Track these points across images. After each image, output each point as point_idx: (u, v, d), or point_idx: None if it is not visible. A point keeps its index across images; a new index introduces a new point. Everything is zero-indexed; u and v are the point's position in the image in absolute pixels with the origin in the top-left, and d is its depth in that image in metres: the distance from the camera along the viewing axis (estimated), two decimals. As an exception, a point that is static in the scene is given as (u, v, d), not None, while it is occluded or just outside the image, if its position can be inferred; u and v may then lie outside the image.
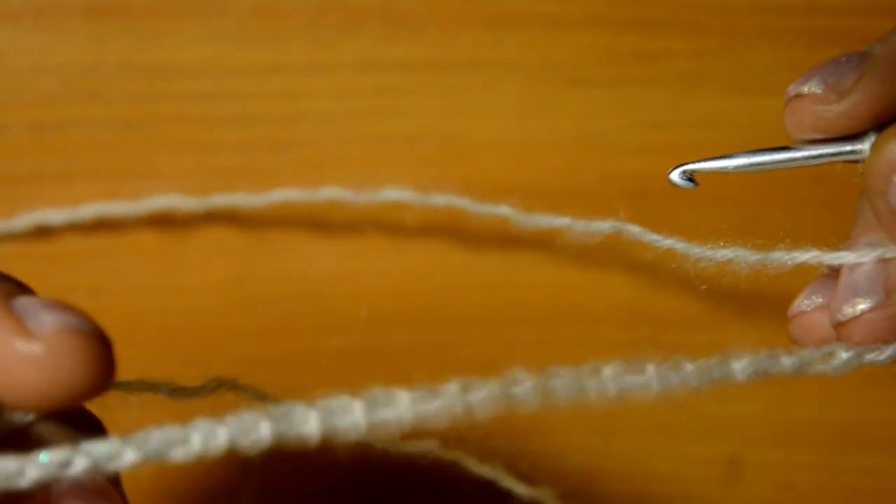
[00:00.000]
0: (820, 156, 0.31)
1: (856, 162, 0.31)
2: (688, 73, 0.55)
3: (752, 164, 0.32)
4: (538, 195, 0.55)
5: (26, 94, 0.53)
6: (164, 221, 0.54)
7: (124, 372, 0.55)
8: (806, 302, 0.34)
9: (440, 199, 0.50)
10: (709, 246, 0.33)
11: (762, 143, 0.56)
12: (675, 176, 0.32)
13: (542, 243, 0.55)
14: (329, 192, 0.52)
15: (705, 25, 0.55)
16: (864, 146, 0.31)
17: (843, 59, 0.31)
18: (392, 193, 0.51)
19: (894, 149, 0.30)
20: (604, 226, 0.41)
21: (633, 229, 0.37)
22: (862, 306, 0.31)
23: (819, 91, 0.31)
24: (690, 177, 0.32)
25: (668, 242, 0.34)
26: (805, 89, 0.31)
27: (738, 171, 0.32)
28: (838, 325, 0.32)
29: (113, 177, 0.53)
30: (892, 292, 0.31)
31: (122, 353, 0.56)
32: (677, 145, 0.55)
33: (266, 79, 0.54)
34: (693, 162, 0.32)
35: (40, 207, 0.53)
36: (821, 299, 0.33)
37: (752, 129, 0.55)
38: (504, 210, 0.49)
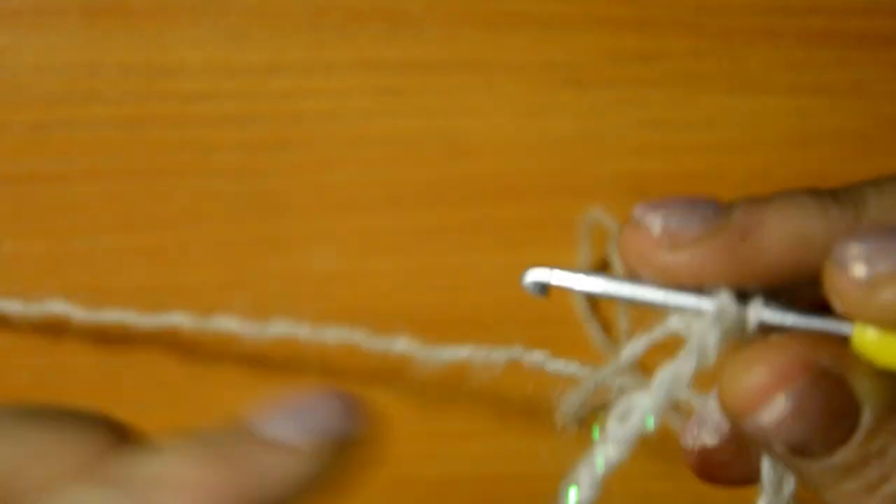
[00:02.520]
0: (668, 304, 0.29)
1: None
2: (688, 73, 0.55)
3: (610, 295, 0.29)
4: (538, 195, 0.55)
5: (26, 94, 0.53)
6: (164, 222, 0.54)
7: (125, 371, 0.55)
8: (689, 439, 0.31)
9: (332, 334, 0.49)
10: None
11: (761, 144, 0.56)
12: (528, 284, 0.30)
13: (544, 244, 0.55)
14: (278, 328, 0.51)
15: (705, 25, 0.55)
16: (710, 305, 0.29)
17: (702, 205, 0.29)
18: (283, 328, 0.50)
19: (745, 385, 0.28)
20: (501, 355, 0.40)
21: (536, 357, 0.36)
22: (706, 440, 0.31)
23: (655, 231, 0.28)
24: (544, 287, 0.30)
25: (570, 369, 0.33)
26: (644, 220, 0.29)
27: (593, 296, 0.30)
28: (683, 451, 0.32)
29: (113, 177, 0.53)
30: (734, 438, 0.31)
31: (122, 354, 0.56)
32: (677, 145, 0.55)
33: (266, 78, 0.54)
34: (546, 269, 0.29)
35: (39, 207, 0.53)
36: (707, 438, 0.31)
37: (751, 129, 0.55)
38: (400, 345, 0.48)
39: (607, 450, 0.27)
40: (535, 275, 0.29)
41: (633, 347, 0.29)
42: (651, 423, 0.27)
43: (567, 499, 0.27)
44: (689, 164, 0.56)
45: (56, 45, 0.53)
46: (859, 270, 0.27)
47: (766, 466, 0.30)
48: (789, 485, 0.30)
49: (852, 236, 0.27)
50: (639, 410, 0.27)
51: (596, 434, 0.27)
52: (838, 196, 0.29)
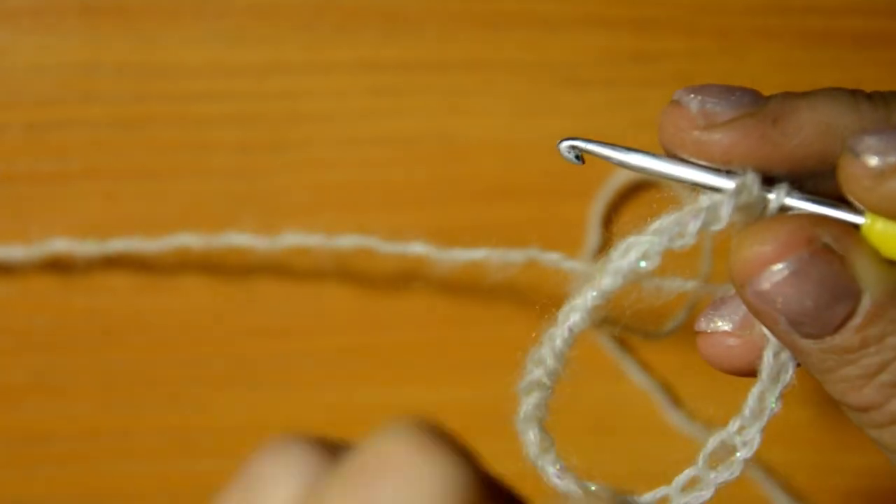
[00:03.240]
0: (698, 181, 0.31)
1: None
2: (685, 73, 0.55)
3: (643, 168, 0.31)
4: (535, 194, 0.55)
5: (24, 94, 0.53)
6: (162, 221, 0.54)
7: (121, 371, 0.55)
8: (704, 322, 0.32)
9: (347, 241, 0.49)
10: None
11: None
12: (564, 148, 0.31)
13: (542, 244, 0.55)
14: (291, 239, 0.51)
15: (702, 26, 0.55)
16: (739, 182, 0.30)
17: (740, 92, 0.30)
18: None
19: (750, 253, 0.29)
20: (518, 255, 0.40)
21: (551, 257, 0.37)
22: (720, 324, 0.32)
23: (692, 110, 0.30)
24: (579, 154, 0.31)
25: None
26: (683, 100, 0.31)
27: (625, 167, 0.31)
28: (697, 334, 0.33)
29: (111, 176, 0.53)
30: (746, 326, 0.32)
31: (121, 354, 0.56)
32: (674, 145, 0.55)
33: (264, 79, 0.54)
34: (586, 141, 0.31)
35: (38, 207, 0.53)
36: (721, 323, 0.32)
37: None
38: (417, 248, 0.48)
39: (603, 279, 0.29)
40: (573, 142, 0.31)
41: (663, 222, 0.30)
42: (645, 264, 0.29)
43: (561, 323, 0.30)
44: (685, 164, 0.56)
45: (54, 45, 0.53)
46: (871, 160, 0.28)
47: (769, 354, 0.31)
48: (786, 375, 0.31)
49: (869, 130, 0.29)
50: (637, 247, 0.29)
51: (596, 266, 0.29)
52: (871, 95, 0.30)
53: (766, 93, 0.55)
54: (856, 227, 0.29)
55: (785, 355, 0.31)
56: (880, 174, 0.28)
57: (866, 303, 0.29)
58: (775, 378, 0.31)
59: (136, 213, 0.54)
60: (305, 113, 0.54)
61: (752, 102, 0.30)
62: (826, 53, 0.55)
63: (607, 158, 0.31)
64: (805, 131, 0.29)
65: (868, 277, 0.29)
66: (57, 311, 0.54)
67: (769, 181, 0.30)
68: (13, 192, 0.53)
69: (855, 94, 0.30)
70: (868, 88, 0.55)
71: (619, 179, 0.55)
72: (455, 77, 0.54)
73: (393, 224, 0.54)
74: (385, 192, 0.55)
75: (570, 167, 0.56)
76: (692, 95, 0.30)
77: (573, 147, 0.31)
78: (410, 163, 0.55)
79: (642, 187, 0.55)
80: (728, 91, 0.30)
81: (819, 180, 0.30)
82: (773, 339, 0.31)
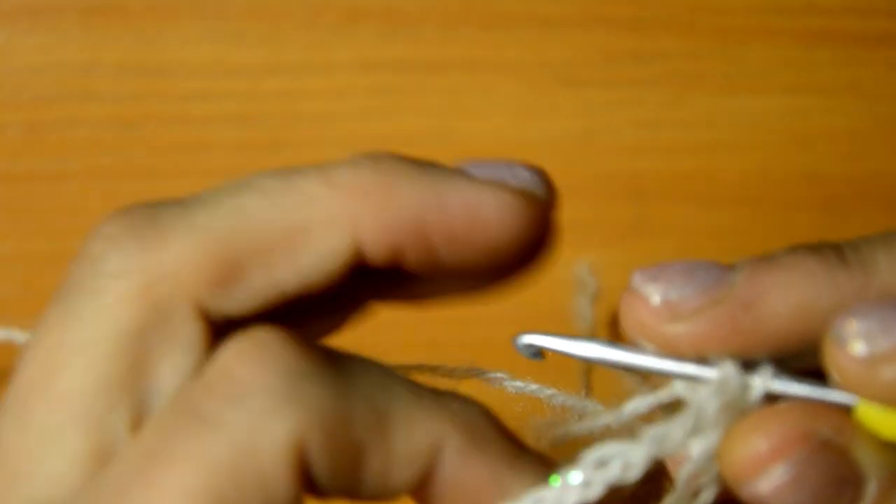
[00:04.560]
0: (669, 372, 0.28)
1: None
2: (684, 73, 0.55)
3: (607, 361, 0.28)
4: (535, 195, 0.55)
5: (23, 94, 0.53)
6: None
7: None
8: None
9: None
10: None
11: (757, 143, 0.56)
12: (521, 346, 0.29)
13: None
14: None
15: (701, 25, 0.55)
16: (712, 374, 0.27)
17: (702, 272, 0.27)
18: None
19: (744, 453, 0.27)
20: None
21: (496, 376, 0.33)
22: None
23: (654, 303, 0.27)
24: (537, 351, 0.29)
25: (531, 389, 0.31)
26: (642, 290, 0.27)
27: (588, 362, 0.28)
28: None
29: (110, 176, 0.53)
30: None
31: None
32: (673, 145, 0.55)
33: (263, 79, 0.54)
34: (544, 336, 0.28)
35: (38, 207, 0.53)
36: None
37: (748, 128, 0.55)
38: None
39: (580, 491, 0.26)
40: (530, 339, 0.28)
41: (637, 406, 0.28)
42: (631, 476, 0.26)
43: None
44: (684, 164, 0.56)
45: (53, 44, 0.53)
46: (858, 348, 0.26)
47: (686, 472, 0.28)
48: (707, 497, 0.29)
49: (852, 311, 0.26)
50: (619, 460, 0.26)
51: (557, 480, 0.26)
52: (846, 259, 0.28)
53: (766, 92, 0.55)
54: (850, 405, 0.27)
55: (707, 479, 0.29)
56: (870, 362, 0.26)
57: (872, 489, 0.27)
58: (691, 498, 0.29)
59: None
60: (305, 113, 0.54)
61: (717, 281, 0.27)
62: (827, 53, 0.55)
63: (567, 354, 0.28)
64: (780, 317, 0.27)
65: (870, 463, 0.27)
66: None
67: (746, 363, 0.28)
68: (13, 192, 0.53)
69: (828, 261, 0.27)
70: (868, 88, 0.55)
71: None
72: (455, 77, 0.54)
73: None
74: (385, 192, 0.55)
75: (570, 167, 0.56)
76: (652, 284, 0.27)
77: (530, 346, 0.28)
78: (410, 163, 0.55)
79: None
80: (689, 273, 0.27)
81: (804, 356, 0.28)
82: (696, 458, 0.28)
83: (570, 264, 0.56)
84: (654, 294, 0.27)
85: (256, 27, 0.53)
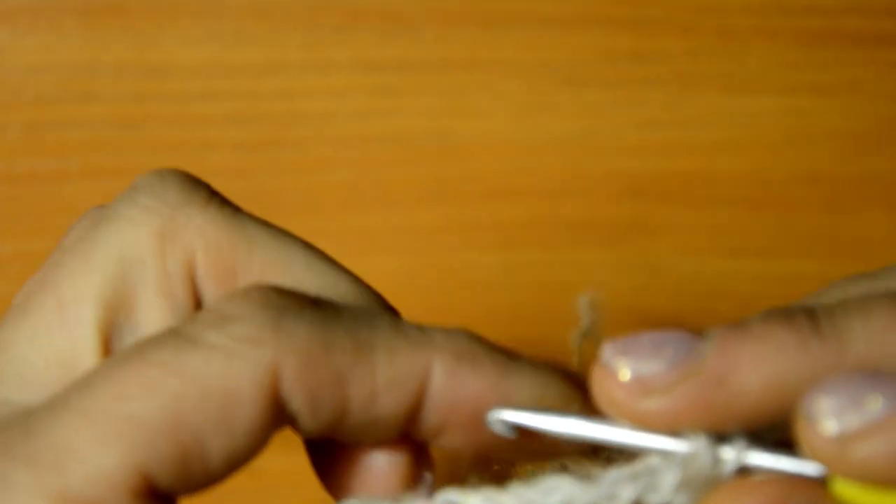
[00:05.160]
0: (642, 447, 0.27)
1: None
2: (684, 73, 0.55)
3: (580, 437, 0.27)
4: (534, 194, 0.55)
5: (23, 94, 0.53)
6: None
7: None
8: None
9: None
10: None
11: (757, 143, 0.56)
12: (493, 423, 0.28)
13: (541, 243, 0.55)
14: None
15: (701, 25, 0.55)
16: (689, 450, 0.27)
17: (672, 345, 0.26)
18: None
19: None
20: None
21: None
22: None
23: (625, 379, 0.26)
24: (511, 427, 0.28)
25: None
26: (612, 366, 0.26)
27: (561, 438, 0.28)
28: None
29: (110, 176, 0.54)
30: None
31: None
32: (673, 144, 0.55)
33: (263, 79, 0.54)
34: (516, 412, 0.27)
35: (38, 207, 0.53)
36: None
37: (748, 128, 0.55)
38: None
39: None
40: (504, 415, 0.28)
41: (614, 480, 0.28)
42: None
43: None
44: (685, 163, 0.56)
45: (53, 45, 0.53)
46: (829, 427, 0.25)
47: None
48: None
49: (823, 387, 0.25)
50: (561, 495, 0.26)
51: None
52: (820, 327, 0.26)
53: (765, 92, 0.55)
54: (825, 478, 0.26)
55: None
56: (842, 441, 0.25)
57: None
58: None
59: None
60: (304, 113, 0.54)
61: (688, 354, 0.26)
62: (826, 53, 0.55)
63: (540, 431, 0.27)
64: (753, 391, 0.26)
65: None
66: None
67: (719, 436, 0.27)
68: (13, 192, 0.53)
69: (802, 332, 0.26)
70: (868, 88, 0.55)
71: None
72: (454, 77, 0.54)
73: (392, 224, 0.55)
74: (384, 192, 0.55)
75: (570, 167, 0.56)
76: (622, 358, 0.26)
77: (503, 422, 0.28)
78: (410, 163, 0.55)
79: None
80: (658, 345, 0.26)
81: (780, 426, 0.27)
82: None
83: (571, 264, 0.56)
84: (625, 369, 0.26)
85: (256, 28, 0.53)
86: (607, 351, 0.27)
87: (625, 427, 0.27)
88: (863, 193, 0.56)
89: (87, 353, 0.27)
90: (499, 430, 0.27)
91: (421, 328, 0.27)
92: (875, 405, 0.25)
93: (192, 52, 0.53)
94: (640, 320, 0.55)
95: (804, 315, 0.26)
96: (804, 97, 0.55)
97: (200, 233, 0.28)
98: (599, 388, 0.27)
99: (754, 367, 0.26)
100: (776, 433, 0.27)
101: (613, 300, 0.56)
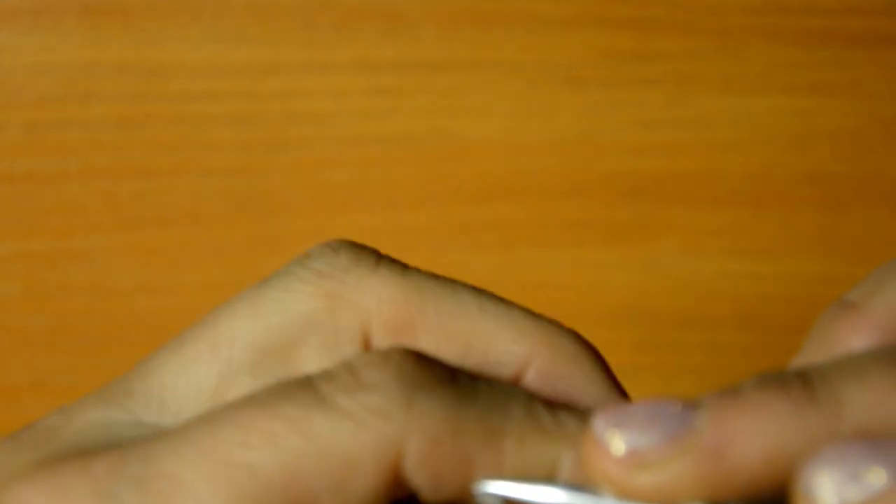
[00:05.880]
0: None
1: None
2: (684, 73, 0.55)
3: None
4: (534, 195, 0.55)
5: (23, 94, 0.53)
6: (161, 221, 0.54)
7: (121, 371, 0.55)
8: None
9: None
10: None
11: (758, 144, 0.56)
12: (481, 495, 0.28)
13: (542, 243, 0.55)
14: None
15: (701, 25, 0.55)
16: None
17: (666, 415, 0.26)
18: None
19: None
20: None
21: None
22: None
23: (619, 454, 0.26)
24: (501, 500, 0.28)
25: None
26: (604, 439, 0.26)
27: None
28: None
29: (110, 176, 0.54)
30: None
31: (121, 354, 0.56)
32: (674, 145, 0.55)
33: (263, 78, 0.54)
34: (506, 482, 0.27)
35: (38, 207, 0.53)
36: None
37: (748, 128, 0.55)
38: None
39: None
40: (492, 487, 0.27)
41: None
42: None
43: None
44: (685, 164, 0.56)
45: (54, 44, 0.53)
46: (828, 502, 0.24)
47: None
48: None
49: (820, 460, 0.25)
50: None
51: None
52: (816, 395, 0.26)
53: (765, 92, 0.55)
54: None
55: None
56: None
57: None
58: None
59: (136, 213, 0.54)
60: (305, 113, 0.54)
61: (683, 426, 0.26)
62: (827, 53, 0.55)
63: (530, 503, 0.27)
64: (750, 464, 0.25)
65: None
66: (57, 311, 0.54)
67: None
68: (13, 192, 0.53)
69: (798, 401, 0.25)
70: (868, 88, 0.55)
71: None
72: (454, 77, 0.54)
73: (392, 224, 0.55)
74: (385, 192, 0.55)
75: (570, 167, 0.56)
76: (614, 431, 0.26)
77: (492, 494, 0.27)
78: (410, 163, 0.55)
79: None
80: (653, 416, 0.26)
81: (778, 497, 0.26)
82: None
83: (571, 264, 0.56)
84: (618, 443, 0.26)
85: (256, 27, 0.53)
86: (599, 424, 0.26)
87: (616, 500, 0.27)
88: (863, 193, 0.56)
89: (232, 394, 0.27)
90: (488, 502, 0.27)
91: (555, 414, 0.27)
92: (876, 478, 0.24)
93: (193, 51, 0.53)
94: (640, 320, 0.55)
95: (799, 381, 0.26)
96: (804, 97, 0.55)
97: (373, 291, 0.29)
98: (591, 462, 0.26)
99: (750, 439, 0.25)
100: (774, 503, 0.26)
101: (613, 300, 0.56)
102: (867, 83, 0.55)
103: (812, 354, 0.28)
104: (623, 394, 0.29)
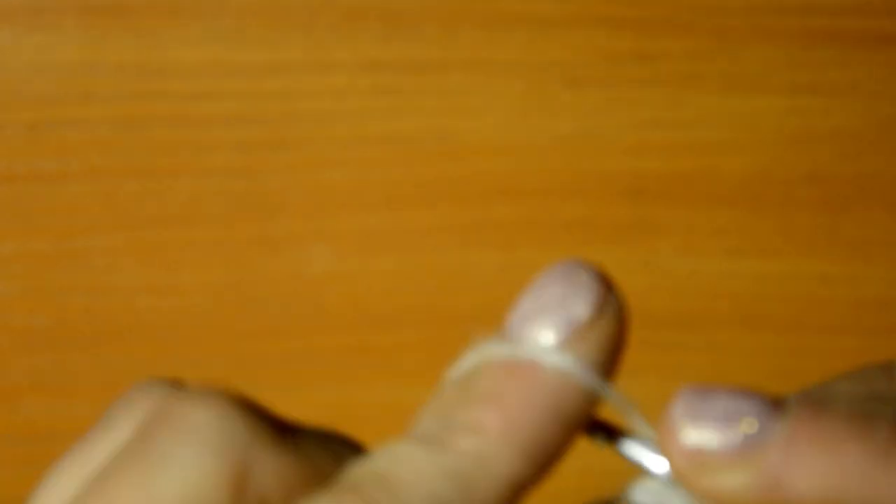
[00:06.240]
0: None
1: None
2: (684, 73, 0.55)
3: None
4: (535, 195, 0.55)
5: (23, 94, 0.53)
6: (161, 221, 0.54)
7: (121, 371, 0.55)
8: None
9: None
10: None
11: (758, 143, 0.56)
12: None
13: (542, 243, 0.55)
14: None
15: (701, 25, 0.55)
16: None
17: (742, 414, 0.25)
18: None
19: None
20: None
21: None
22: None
23: (685, 445, 0.24)
24: None
25: None
26: (677, 427, 0.25)
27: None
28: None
29: (110, 176, 0.54)
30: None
31: (121, 354, 0.56)
32: (674, 145, 0.55)
33: (263, 78, 0.54)
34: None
35: (38, 207, 0.53)
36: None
37: (749, 128, 0.55)
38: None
39: None
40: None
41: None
42: None
43: None
44: (685, 164, 0.56)
45: (53, 44, 0.53)
46: None
47: None
48: None
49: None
50: None
51: None
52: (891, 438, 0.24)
53: (766, 92, 0.55)
54: None
55: None
56: None
57: None
58: None
59: (136, 213, 0.54)
60: (305, 113, 0.54)
61: (757, 438, 0.24)
62: (827, 53, 0.55)
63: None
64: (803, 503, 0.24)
65: None
66: (57, 311, 0.54)
67: None
68: (13, 192, 0.53)
69: (877, 453, 0.24)
70: (868, 88, 0.55)
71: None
72: (454, 77, 0.54)
73: (392, 224, 0.55)
74: (385, 192, 0.55)
75: (570, 167, 0.56)
76: (687, 421, 0.25)
77: None
78: (410, 163, 0.55)
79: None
80: (731, 415, 0.25)
81: None
82: None
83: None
84: (688, 434, 0.25)
85: (256, 27, 0.53)
86: (678, 408, 0.25)
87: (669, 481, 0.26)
88: (863, 193, 0.56)
89: None
90: None
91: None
92: None
93: (193, 52, 0.53)
94: (640, 320, 0.55)
95: (889, 429, 0.24)
96: (804, 97, 0.55)
97: (274, 473, 0.26)
98: (663, 436, 0.25)
99: (813, 478, 0.24)
100: None
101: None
102: (867, 83, 0.55)
103: None
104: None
